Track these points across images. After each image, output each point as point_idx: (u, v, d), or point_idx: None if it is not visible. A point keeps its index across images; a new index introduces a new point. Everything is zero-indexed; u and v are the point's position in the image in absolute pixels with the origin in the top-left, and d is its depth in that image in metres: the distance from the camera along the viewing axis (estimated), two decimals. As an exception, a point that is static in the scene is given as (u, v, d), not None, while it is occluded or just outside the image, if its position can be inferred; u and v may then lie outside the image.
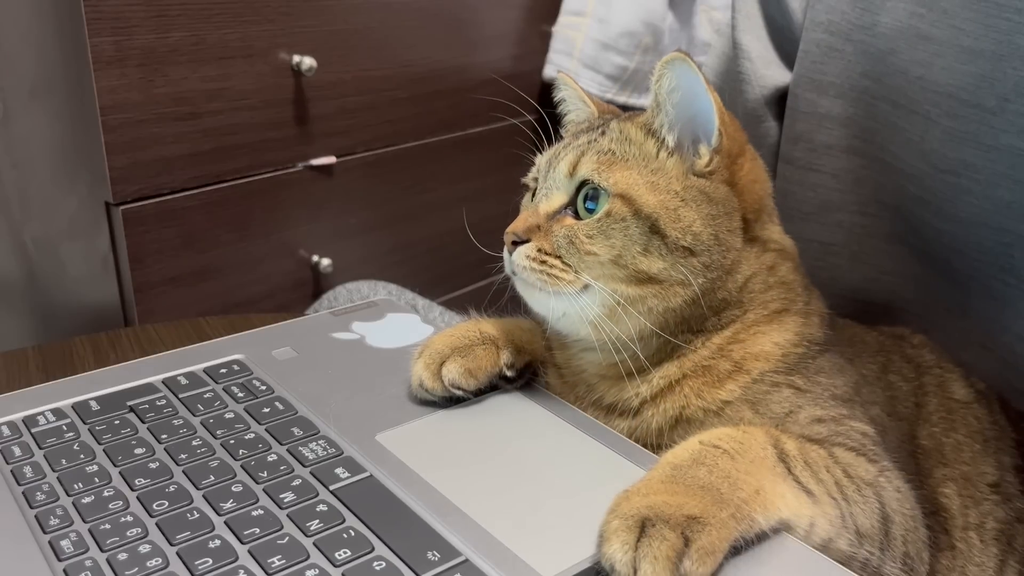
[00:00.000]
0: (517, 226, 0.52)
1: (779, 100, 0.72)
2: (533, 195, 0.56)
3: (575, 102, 0.62)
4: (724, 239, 0.51)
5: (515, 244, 0.52)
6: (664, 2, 1.59)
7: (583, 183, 0.52)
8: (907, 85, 0.60)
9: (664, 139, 0.52)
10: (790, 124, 0.70)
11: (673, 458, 0.44)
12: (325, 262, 1.31)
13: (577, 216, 0.52)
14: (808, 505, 0.44)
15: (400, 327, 0.67)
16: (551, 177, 0.53)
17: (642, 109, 0.56)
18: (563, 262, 0.50)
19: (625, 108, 0.61)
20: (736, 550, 0.41)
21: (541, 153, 0.58)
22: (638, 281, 0.50)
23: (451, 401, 0.55)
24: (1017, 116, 0.55)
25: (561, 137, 0.60)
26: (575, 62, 1.55)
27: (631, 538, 0.39)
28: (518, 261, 0.52)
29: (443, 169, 1.47)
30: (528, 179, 0.58)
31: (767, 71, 0.71)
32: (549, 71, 1.57)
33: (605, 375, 0.54)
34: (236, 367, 0.59)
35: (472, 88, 1.49)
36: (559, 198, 0.53)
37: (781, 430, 0.48)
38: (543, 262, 0.51)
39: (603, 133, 0.54)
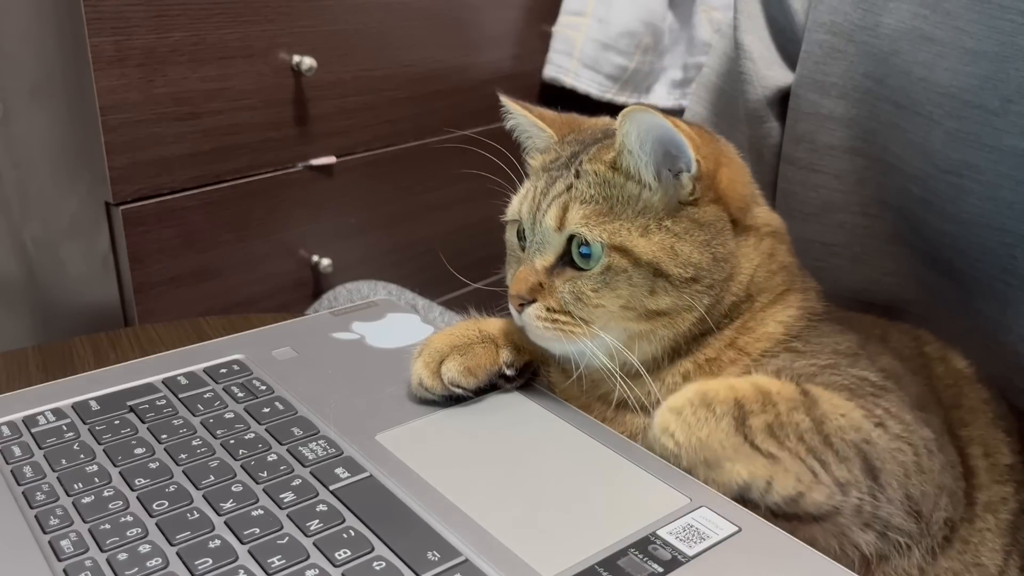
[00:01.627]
0: (520, 288, 0.52)
1: (781, 100, 0.72)
2: (518, 235, 0.56)
3: (529, 128, 0.60)
4: (720, 255, 0.51)
5: (522, 305, 0.52)
6: (664, 2, 1.59)
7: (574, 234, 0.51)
8: (910, 86, 0.60)
9: (643, 179, 0.51)
10: (792, 125, 0.70)
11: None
12: (325, 262, 1.31)
13: (574, 264, 0.51)
14: (764, 467, 0.44)
15: (400, 327, 0.67)
16: (539, 232, 0.53)
17: (610, 133, 0.55)
18: (573, 316, 0.51)
19: (614, 106, 0.59)
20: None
21: (514, 192, 0.57)
22: (647, 318, 0.51)
23: (451, 400, 0.55)
24: (1020, 117, 0.54)
25: (526, 166, 0.59)
26: (575, 62, 1.56)
27: None
28: (529, 322, 0.52)
29: (443, 169, 1.47)
30: (507, 218, 0.58)
31: (769, 71, 0.71)
32: (549, 71, 1.58)
33: (606, 379, 0.54)
34: (236, 367, 0.59)
35: (472, 88, 1.49)
36: (552, 252, 0.52)
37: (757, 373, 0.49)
38: (554, 320, 0.51)
39: (578, 175, 0.52)
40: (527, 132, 0.60)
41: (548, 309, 0.51)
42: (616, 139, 0.51)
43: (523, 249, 0.55)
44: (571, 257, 0.51)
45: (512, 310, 0.53)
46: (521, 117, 0.60)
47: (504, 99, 0.59)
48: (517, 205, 0.56)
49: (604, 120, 0.61)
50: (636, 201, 0.51)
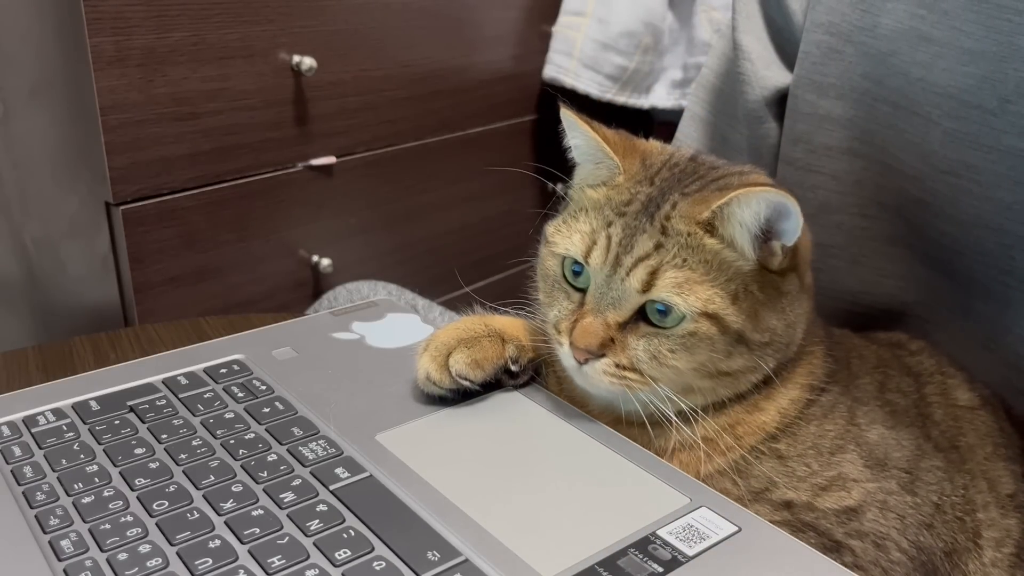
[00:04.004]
0: (590, 343, 0.49)
1: (779, 101, 0.72)
2: (571, 268, 0.51)
3: (592, 153, 0.53)
4: (791, 321, 0.50)
5: (587, 359, 0.49)
6: (664, 2, 1.59)
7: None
8: (908, 86, 0.60)
9: (741, 249, 0.49)
10: (790, 125, 0.70)
11: None
12: (325, 262, 1.31)
13: (646, 316, 0.49)
14: None
15: (400, 327, 0.67)
16: (616, 287, 0.49)
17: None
18: (642, 374, 0.49)
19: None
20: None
21: (561, 221, 0.52)
22: (712, 376, 0.49)
23: (457, 394, 0.55)
24: (1018, 117, 0.54)
25: (572, 186, 0.55)
26: (575, 62, 1.56)
27: None
28: (593, 376, 0.49)
29: (443, 169, 1.47)
30: (558, 251, 0.52)
31: (767, 72, 0.71)
32: (549, 71, 1.57)
33: (604, 412, 0.54)
34: (236, 367, 0.59)
35: (472, 88, 1.49)
36: (628, 309, 0.49)
37: (751, 507, 0.48)
38: (623, 377, 0.49)
39: (664, 232, 0.48)
40: (586, 158, 0.54)
41: (618, 366, 0.49)
42: (727, 206, 0.47)
43: (571, 285, 0.52)
44: (643, 310, 0.49)
45: (565, 356, 0.51)
46: (588, 138, 0.52)
47: (568, 114, 0.52)
48: (580, 246, 0.51)
49: (657, 145, 0.56)
50: (728, 267, 0.48)
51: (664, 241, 0.49)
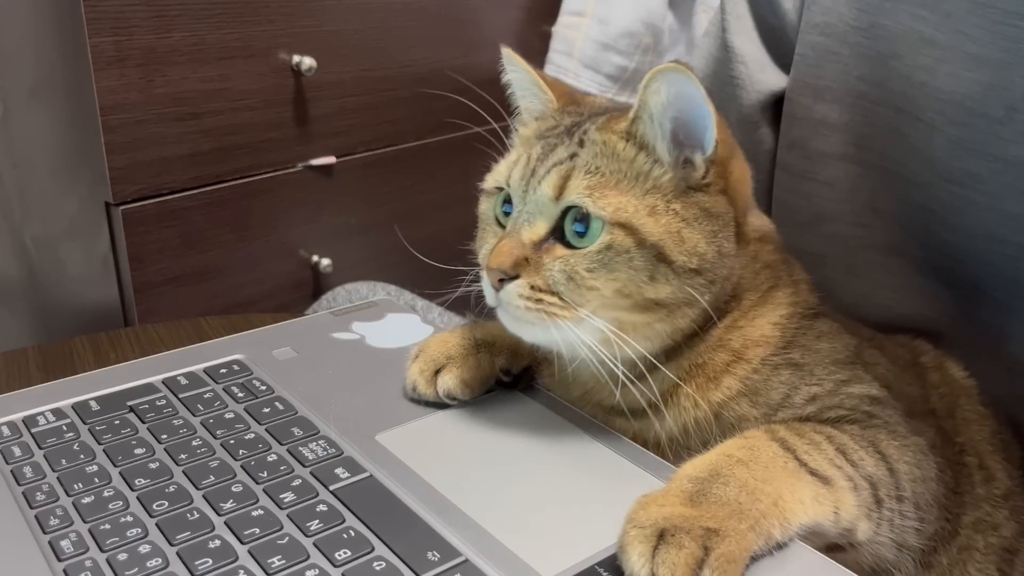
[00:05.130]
0: (502, 262, 0.47)
1: (775, 105, 0.70)
2: (501, 207, 0.52)
3: (528, 87, 0.55)
4: (724, 250, 0.48)
5: (502, 281, 0.47)
6: (664, 2, 1.59)
7: (571, 205, 0.47)
8: (911, 90, 0.59)
9: (657, 154, 0.48)
10: (786, 130, 0.68)
11: (692, 470, 0.43)
12: (325, 262, 1.31)
13: (565, 240, 0.47)
14: (827, 496, 0.43)
15: (400, 327, 0.67)
16: (531, 199, 0.48)
17: (620, 107, 0.52)
18: (560, 298, 0.46)
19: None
20: (755, 558, 0.41)
21: (502, 157, 0.53)
22: (643, 308, 0.47)
23: (445, 406, 0.55)
24: None
25: (515, 130, 0.56)
26: (575, 62, 1.55)
27: (648, 548, 0.38)
28: (509, 301, 0.47)
29: (443, 169, 1.47)
30: (488, 186, 0.53)
31: (762, 75, 0.69)
32: (549, 71, 1.57)
33: (600, 381, 0.54)
34: (236, 367, 0.59)
35: (472, 88, 1.49)
36: (544, 224, 0.48)
37: (773, 420, 0.48)
38: (539, 300, 0.46)
39: (582, 144, 0.48)
40: (524, 92, 0.56)
41: (533, 287, 0.46)
42: (638, 100, 0.47)
43: (501, 225, 0.51)
44: (562, 233, 0.47)
45: (486, 287, 0.49)
46: (523, 74, 0.55)
47: (507, 52, 0.55)
48: (505, 171, 0.51)
49: (602, 99, 0.58)
50: (645, 178, 0.47)
51: (579, 151, 0.48)
